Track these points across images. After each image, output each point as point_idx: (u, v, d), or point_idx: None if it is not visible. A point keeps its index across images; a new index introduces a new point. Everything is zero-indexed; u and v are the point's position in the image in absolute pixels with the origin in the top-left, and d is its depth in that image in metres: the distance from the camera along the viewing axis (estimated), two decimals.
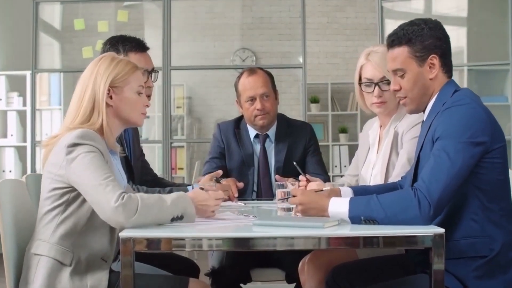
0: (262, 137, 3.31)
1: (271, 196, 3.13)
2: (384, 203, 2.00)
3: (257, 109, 3.21)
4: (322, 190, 2.30)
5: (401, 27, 2.24)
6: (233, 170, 3.29)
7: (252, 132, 3.31)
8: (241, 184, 3.01)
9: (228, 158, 3.31)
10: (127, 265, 1.86)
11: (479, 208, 2.10)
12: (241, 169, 3.28)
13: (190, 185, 2.89)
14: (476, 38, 6.08)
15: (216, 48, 7.99)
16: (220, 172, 2.98)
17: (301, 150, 3.29)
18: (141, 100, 2.26)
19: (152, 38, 5.93)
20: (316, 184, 2.56)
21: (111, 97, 2.20)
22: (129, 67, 2.24)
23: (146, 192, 2.62)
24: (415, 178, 2.21)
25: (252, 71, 3.29)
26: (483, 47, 6.05)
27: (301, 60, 5.71)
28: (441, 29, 2.22)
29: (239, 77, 3.29)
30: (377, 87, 2.61)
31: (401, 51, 2.21)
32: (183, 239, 1.88)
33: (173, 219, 2.04)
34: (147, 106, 2.29)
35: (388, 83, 2.53)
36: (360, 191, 2.33)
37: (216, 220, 2.18)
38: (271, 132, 3.32)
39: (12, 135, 6.38)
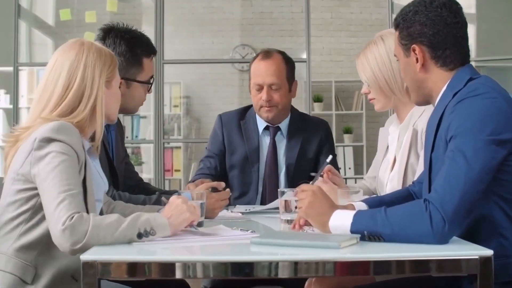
0: (272, 130, 2.92)
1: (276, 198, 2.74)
2: (391, 217, 1.69)
3: (263, 100, 2.85)
4: None
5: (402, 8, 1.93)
6: (234, 167, 2.89)
7: (261, 124, 2.93)
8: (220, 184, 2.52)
9: (228, 154, 2.91)
10: None
11: (507, 221, 1.75)
12: (243, 167, 2.88)
13: (177, 191, 2.53)
14: (485, 35, 5.84)
15: (214, 45, 7.70)
16: (222, 184, 2.47)
17: (315, 147, 2.93)
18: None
19: (151, 36, 5.58)
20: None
21: None
22: (114, 58, 1.99)
23: (129, 199, 2.33)
24: (430, 185, 1.88)
25: (267, 54, 2.90)
26: (492, 44, 5.79)
27: (303, 56, 5.39)
28: (431, 13, 1.84)
29: (254, 58, 2.93)
30: None
31: (395, 36, 1.95)
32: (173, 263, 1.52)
33: (141, 235, 1.69)
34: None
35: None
36: (376, 205, 1.98)
37: (206, 237, 1.81)
38: (283, 125, 2.94)
39: None
